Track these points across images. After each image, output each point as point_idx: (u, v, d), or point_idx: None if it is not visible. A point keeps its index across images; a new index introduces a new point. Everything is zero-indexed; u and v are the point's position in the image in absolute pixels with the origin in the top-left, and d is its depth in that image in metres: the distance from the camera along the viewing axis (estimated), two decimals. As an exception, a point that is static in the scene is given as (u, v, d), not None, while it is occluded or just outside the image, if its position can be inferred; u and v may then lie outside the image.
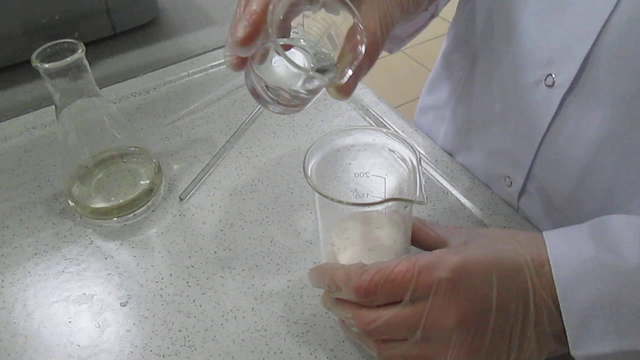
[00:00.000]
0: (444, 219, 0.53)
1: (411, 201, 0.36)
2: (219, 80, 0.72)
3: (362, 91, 0.68)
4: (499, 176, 0.54)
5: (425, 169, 0.58)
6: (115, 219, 0.54)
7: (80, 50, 0.48)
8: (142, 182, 0.56)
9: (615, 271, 0.34)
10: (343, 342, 0.44)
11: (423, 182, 0.36)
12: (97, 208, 0.54)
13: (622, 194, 0.43)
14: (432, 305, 0.35)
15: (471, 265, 0.35)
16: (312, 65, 0.38)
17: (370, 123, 0.65)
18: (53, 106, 0.51)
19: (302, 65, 0.37)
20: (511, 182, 0.52)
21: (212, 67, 0.74)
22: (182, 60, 0.75)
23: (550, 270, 0.35)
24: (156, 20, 0.87)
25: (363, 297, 0.36)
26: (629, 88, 0.39)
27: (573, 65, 0.42)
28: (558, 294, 0.34)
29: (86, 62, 0.49)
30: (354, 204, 0.36)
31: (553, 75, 0.44)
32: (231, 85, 0.70)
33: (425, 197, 0.35)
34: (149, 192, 0.56)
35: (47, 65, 0.47)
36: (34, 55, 0.47)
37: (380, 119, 0.65)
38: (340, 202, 0.36)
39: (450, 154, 0.60)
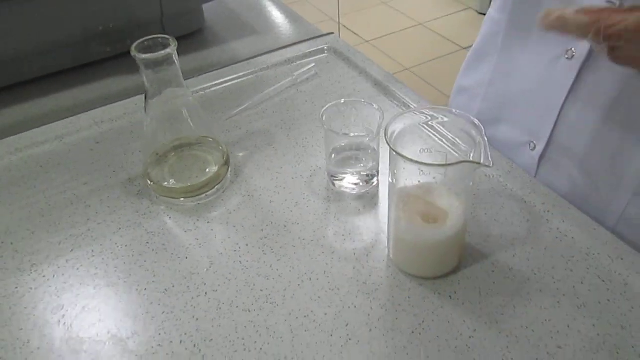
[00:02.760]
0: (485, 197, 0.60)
1: (480, 164, 0.42)
2: (268, 82, 0.79)
3: (402, 92, 0.75)
4: (523, 143, 0.62)
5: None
6: (189, 199, 0.60)
7: (173, 45, 0.54)
8: (212, 168, 0.62)
9: None
10: (409, 298, 0.50)
11: (489, 150, 0.42)
12: (172, 188, 0.60)
13: (634, 148, 0.50)
14: None
15: None
16: None
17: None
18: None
19: None
20: (535, 146, 0.60)
21: (261, 70, 0.81)
22: (230, 65, 0.82)
23: None
24: (202, 29, 0.95)
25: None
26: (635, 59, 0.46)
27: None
28: None
29: (176, 56, 0.55)
30: (427, 164, 0.42)
31: (573, 49, 0.52)
32: (281, 86, 0.77)
33: (491, 161, 0.42)
34: (219, 176, 0.62)
35: (144, 56, 0.53)
36: (133, 47, 0.53)
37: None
38: (416, 162, 0.42)
39: None
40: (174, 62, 0.56)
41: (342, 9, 2.76)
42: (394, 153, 0.43)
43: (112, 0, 0.80)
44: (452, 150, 0.50)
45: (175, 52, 0.55)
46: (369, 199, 0.60)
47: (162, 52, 0.54)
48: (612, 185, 0.53)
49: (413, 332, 0.47)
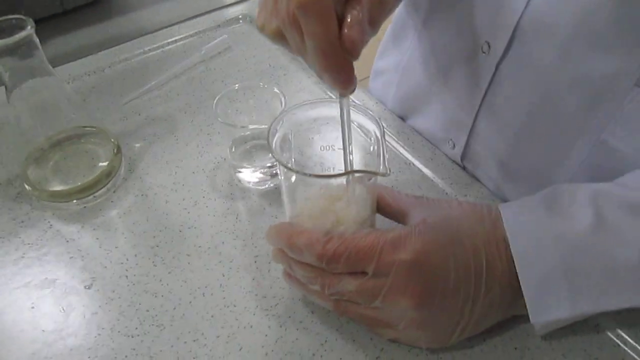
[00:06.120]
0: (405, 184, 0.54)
1: (375, 173, 0.36)
2: (176, 57, 0.71)
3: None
4: (443, 139, 0.56)
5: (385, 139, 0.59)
6: (74, 201, 0.53)
7: (29, 27, 0.46)
8: (101, 164, 0.55)
9: (566, 237, 0.35)
10: (312, 313, 0.44)
11: (387, 155, 0.36)
12: (55, 191, 0.53)
13: (557, 153, 0.45)
14: (392, 283, 0.36)
15: (431, 249, 0.36)
16: None
17: (332, 96, 0.65)
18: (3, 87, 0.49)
19: None
20: (454, 145, 0.54)
21: (168, 43, 0.73)
22: (137, 37, 0.73)
23: (508, 243, 0.36)
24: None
25: (325, 264, 0.37)
26: (552, 59, 0.41)
27: (505, 34, 0.44)
28: (516, 266, 0.36)
29: (36, 39, 0.47)
30: (317, 176, 0.37)
31: (489, 43, 0.45)
32: (189, 62, 0.69)
33: (388, 169, 0.36)
34: (109, 173, 0.55)
35: (-6, 43, 0.45)
36: (-21, 33, 0.45)
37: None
38: (305, 174, 0.36)
39: (401, 119, 0.62)
40: (36, 46, 0.47)
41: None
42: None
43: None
44: (359, 142, 0.43)
45: (34, 34, 0.46)
46: (276, 196, 0.53)
47: (17, 35, 0.45)
48: (537, 191, 0.48)
49: (314, 355, 0.42)
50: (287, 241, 0.39)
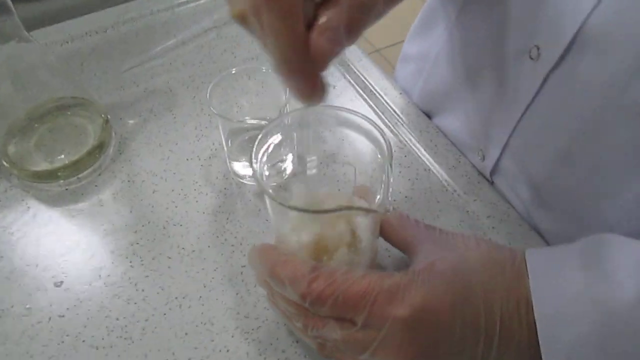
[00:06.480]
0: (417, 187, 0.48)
1: (372, 211, 0.30)
2: (185, 21, 0.64)
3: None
4: (471, 148, 0.48)
5: (400, 132, 0.52)
6: (57, 182, 0.49)
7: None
8: (88, 141, 0.50)
9: (606, 308, 0.28)
10: (297, 342, 0.39)
11: (391, 188, 0.30)
12: (36, 171, 0.48)
13: (604, 186, 0.37)
14: (384, 339, 0.30)
15: (435, 306, 0.30)
16: None
17: (351, 81, 0.58)
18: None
19: None
20: (484, 157, 0.46)
21: (179, 4, 0.66)
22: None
23: (531, 304, 0.30)
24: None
25: (309, 305, 0.32)
26: (613, 77, 0.33)
27: (562, 40, 0.35)
28: (539, 334, 0.29)
29: (8, 1, 0.41)
30: (302, 210, 0.30)
31: (538, 48, 0.37)
32: (199, 28, 0.62)
33: (391, 205, 0.29)
34: (96, 151, 0.50)
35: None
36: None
37: (360, 74, 0.58)
38: (290, 207, 0.30)
39: (427, 115, 0.54)
40: (9, 9, 0.42)
41: None
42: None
43: None
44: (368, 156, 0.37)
45: (7, -2, 0.41)
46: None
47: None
48: (578, 224, 0.40)
49: (293, 392, 0.37)
50: (269, 270, 0.33)
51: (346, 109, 0.34)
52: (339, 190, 0.39)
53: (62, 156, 0.49)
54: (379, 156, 0.32)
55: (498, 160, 0.44)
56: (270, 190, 0.30)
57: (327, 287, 0.31)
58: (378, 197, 0.30)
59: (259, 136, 0.33)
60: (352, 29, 0.28)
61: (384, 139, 0.32)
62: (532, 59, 0.37)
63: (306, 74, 0.28)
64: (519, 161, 0.43)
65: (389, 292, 0.30)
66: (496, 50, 0.41)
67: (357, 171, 0.36)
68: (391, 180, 0.30)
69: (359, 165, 0.36)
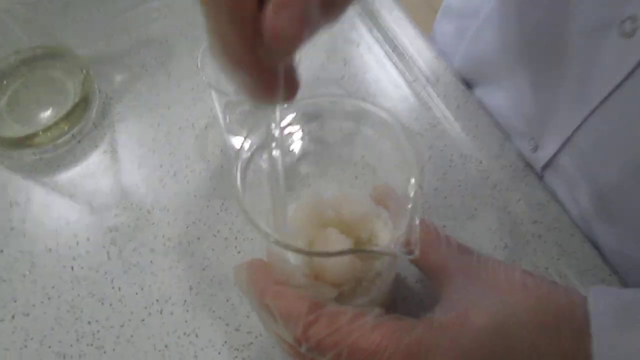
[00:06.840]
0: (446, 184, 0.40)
1: (391, 254, 0.22)
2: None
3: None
4: (521, 134, 0.40)
5: (432, 105, 0.43)
6: (29, 150, 0.42)
7: None
8: (66, 101, 0.43)
9: None
10: (293, 367, 0.33)
11: (418, 228, 0.22)
12: (4, 138, 0.41)
13: None
14: None
15: None
16: None
17: (377, 39, 0.48)
18: None
19: None
20: (536, 147, 0.38)
21: None
22: None
23: None
24: None
25: (304, 351, 0.25)
26: None
27: None
28: None
29: None
30: (299, 251, 0.23)
31: (635, 20, 0.28)
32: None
33: (417, 247, 0.22)
34: (75, 114, 0.43)
35: None
36: None
37: (390, 33, 0.48)
38: (287, 247, 0.23)
39: (468, 85, 0.45)
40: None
41: None
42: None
43: None
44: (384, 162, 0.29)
45: None
46: (278, 178, 0.40)
47: None
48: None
49: None
50: (259, 298, 0.27)
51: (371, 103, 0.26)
52: (351, 188, 0.32)
53: (32, 120, 0.42)
54: (409, 178, 0.24)
55: (555, 155, 0.36)
56: (264, 226, 0.23)
57: (329, 336, 0.24)
58: (399, 233, 0.22)
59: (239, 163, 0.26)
60: (330, 3, 0.19)
61: (419, 157, 0.24)
62: (625, 35, 0.28)
63: (255, 68, 0.19)
64: (583, 161, 0.34)
65: (408, 353, 0.23)
66: (570, 16, 0.32)
67: (375, 172, 0.28)
68: (419, 214, 0.22)
69: (379, 170, 0.28)
